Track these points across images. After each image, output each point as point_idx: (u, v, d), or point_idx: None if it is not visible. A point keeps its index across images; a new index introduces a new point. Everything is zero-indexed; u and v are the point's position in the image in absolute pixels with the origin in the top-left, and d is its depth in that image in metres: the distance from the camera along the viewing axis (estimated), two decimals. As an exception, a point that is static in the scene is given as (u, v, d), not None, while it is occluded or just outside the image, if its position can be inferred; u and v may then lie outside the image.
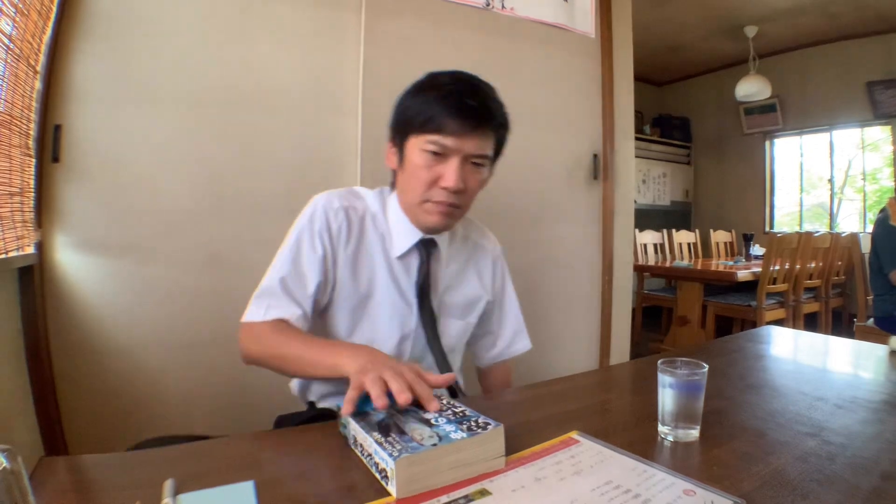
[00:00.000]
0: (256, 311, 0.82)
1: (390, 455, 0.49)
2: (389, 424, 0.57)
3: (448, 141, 0.79)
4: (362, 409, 0.62)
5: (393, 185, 0.93)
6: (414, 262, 0.91)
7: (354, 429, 0.59)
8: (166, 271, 1.40)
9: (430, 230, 0.89)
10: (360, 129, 1.58)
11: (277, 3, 1.51)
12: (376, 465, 0.52)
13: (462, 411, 0.61)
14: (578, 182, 2.04)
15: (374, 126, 1.55)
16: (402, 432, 0.55)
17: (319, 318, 0.90)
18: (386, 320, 0.90)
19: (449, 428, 0.56)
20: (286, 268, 0.84)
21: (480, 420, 0.58)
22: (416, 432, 0.55)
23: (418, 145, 0.81)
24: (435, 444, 0.52)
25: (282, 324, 0.81)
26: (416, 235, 0.89)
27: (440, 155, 0.80)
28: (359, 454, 0.57)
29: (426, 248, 0.91)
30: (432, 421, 0.58)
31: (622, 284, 2.13)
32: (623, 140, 2.12)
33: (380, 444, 0.52)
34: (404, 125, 0.84)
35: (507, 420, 0.67)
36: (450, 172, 0.80)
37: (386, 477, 0.50)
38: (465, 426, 0.56)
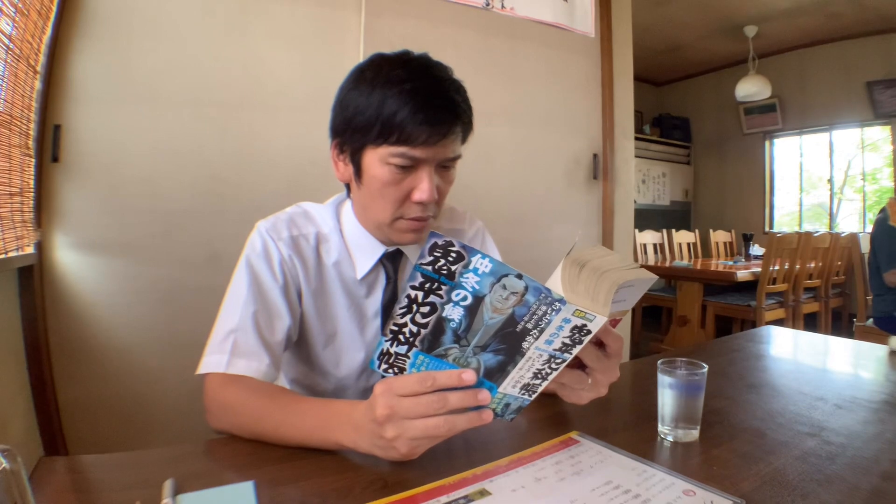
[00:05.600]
0: (218, 360, 0.69)
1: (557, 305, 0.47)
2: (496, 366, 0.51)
3: (417, 152, 0.67)
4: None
5: (349, 193, 0.81)
6: (379, 281, 0.81)
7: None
8: (166, 271, 1.40)
9: (402, 245, 0.79)
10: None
11: (277, 3, 1.51)
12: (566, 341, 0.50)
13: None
14: (578, 182, 2.04)
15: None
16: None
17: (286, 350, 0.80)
18: (350, 357, 0.81)
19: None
20: (252, 303, 0.71)
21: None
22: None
23: (380, 158, 0.68)
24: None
25: (249, 383, 0.68)
26: (378, 251, 0.79)
27: (408, 167, 0.69)
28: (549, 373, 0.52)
29: (392, 262, 0.80)
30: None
31: (622, 284, 2.13)
32: (623, 140, 2.12)
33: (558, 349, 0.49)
34: (358, 134, 0.69)
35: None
36: (423, 185, 0.69)
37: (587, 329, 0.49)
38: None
